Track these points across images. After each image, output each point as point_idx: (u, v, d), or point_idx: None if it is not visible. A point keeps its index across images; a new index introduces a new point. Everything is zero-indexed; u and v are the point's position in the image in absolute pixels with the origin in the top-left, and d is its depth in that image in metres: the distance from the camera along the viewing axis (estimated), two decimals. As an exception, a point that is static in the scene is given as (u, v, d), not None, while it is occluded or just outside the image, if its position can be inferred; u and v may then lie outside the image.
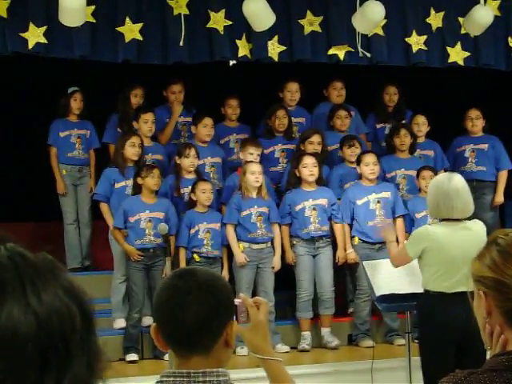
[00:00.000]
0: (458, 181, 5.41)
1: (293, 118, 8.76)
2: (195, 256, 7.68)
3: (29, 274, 1.09)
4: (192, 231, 7.72)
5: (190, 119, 8.67)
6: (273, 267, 7.88)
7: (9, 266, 1.08)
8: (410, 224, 8.04)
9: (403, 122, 9.02)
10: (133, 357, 7.41)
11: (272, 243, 7.96)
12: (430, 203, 5.43)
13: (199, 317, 2.08)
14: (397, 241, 6.43)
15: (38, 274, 1.09)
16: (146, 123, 8.21)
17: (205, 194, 7.70)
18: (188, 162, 7.93)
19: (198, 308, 2.08)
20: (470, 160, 8.94)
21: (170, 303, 2.11)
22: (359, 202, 8.08)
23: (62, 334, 1.07)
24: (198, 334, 2.09)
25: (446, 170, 8.18)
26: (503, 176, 8.95)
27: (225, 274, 7.75)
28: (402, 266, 5.72)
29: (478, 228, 5.43)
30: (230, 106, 8.70)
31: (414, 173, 8.38)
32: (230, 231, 7.83)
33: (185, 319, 2.08)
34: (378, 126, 9.23)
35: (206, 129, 8.28)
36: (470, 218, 5.48)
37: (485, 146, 8.94)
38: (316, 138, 8.30)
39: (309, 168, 7.96)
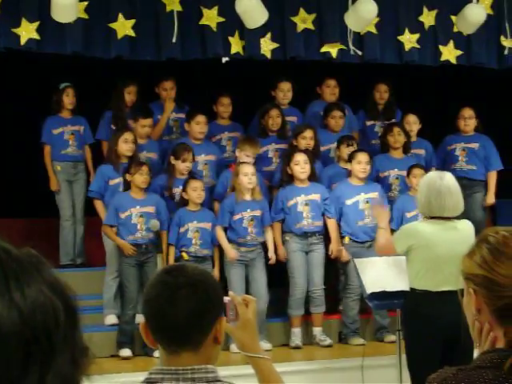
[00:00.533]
0: (449, 179, 5.43)
1: (285, 117, 8.76)
2: (184, 254, 7.67)
3: (12, 268, 1.08)
4: (181, 230, 7.70)
5: (182, 115, 8.66)
6: (267, 264, 7.86)
7: None
8: (400, 223, 8.01)
9: (394, 120, 9.03)
10: (126, 352, 7.40)
11: (262, 245, 7.94)
12: (421, 201, 5.43)
13: (189, 313, 2.08)
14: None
15: (22, 268, 1.09)
16: (144, 128, 8.22)
17: (196, 191, 7.69)
18: (184, 166, 7.91)
19: (188, 304, 2.08)
20: (460, 158, 8.95)
21: (160, 299, 2.11)
22: (348, 202, 8.08)
23: (45, 329, 1.07)
24: (187, 330, 2.09)
25: (436, 169, 8.19)
26: (493, 177, 8.95)
27: (216, 273, 7.73)
28: (387, 254, 5.79)
29: (466, 228, 5.44)
30: (222, 104, 8.70)
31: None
32: (219, 232, 7.80)
33: (174, 315, 2.08)
34: (368, 124, 9.24)
35: (199, 126, 8.27)
36: (459, 217, 5.49)
37: (475, 145, 8.96)
38: (308, 133, 8.30)
39: (300, 165, 7.96)
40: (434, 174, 5.56)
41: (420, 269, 5.36)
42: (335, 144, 8.56)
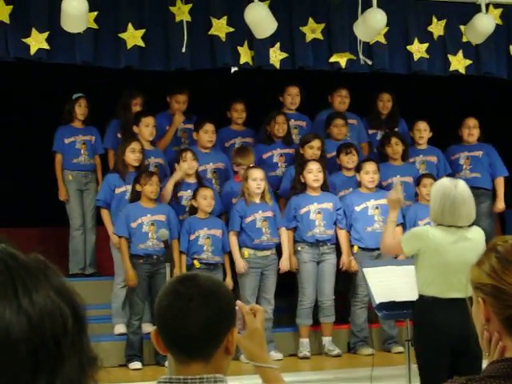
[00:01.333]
0: (463, 187, 5.37)
1: (293, 121, 8.80)
2: (195, 262, 7.68)
3: (20, 275, 1.08)
4: (192, 237, 7.72)
5: (190, 126, 8.69)
6: (278, 272, 7.86)
7: (0, 268, 1.08)
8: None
9: (395, 129, 9.03)
10: (136, 365, 7.40)
11: (277, 249, 7.95)
12: (435, 209, 5.35)
13: (201, 324, 2.07)
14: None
15: (30, 275, 1.09)
16: (147, 127, 8.24)
17: (206, 200, 7.71)
18: (185, 165, 7.94)
19: (201, 315, 2.07)
20: (464, 167, 8.96)
21: (172, 309, 2.10)
22: (357, 208, 8.10)
23: (53, 335, 1.07)
24: (199, 341, 2.08)
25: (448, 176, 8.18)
26: (501, 183, 8.95)
27: (228, 281, 7.73)
28: (392, 255, 5.61)
29: (477, 236, 5.41)
30: (236, 110, 8.75)
31: (409, 179, 8.39)
32: (233, 238, 7.83)
33: (187, 326, 2.07)
34: (371, 132, 9.25)
35: (207, 135, 8.30)
36: (470, 224, 5.47)
37: (479, 153, 8.96)
38: (316, 143, 8.32)
39: (314, 173, 7.98)
40: (447, 182, 5.45)
41: (429, 275, 5.33)
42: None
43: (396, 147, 8.55)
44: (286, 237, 7.97)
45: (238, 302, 2.36)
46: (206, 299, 2.09)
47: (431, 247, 5.31)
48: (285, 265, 7.92)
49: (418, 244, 5.38)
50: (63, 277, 1.15)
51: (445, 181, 5.54)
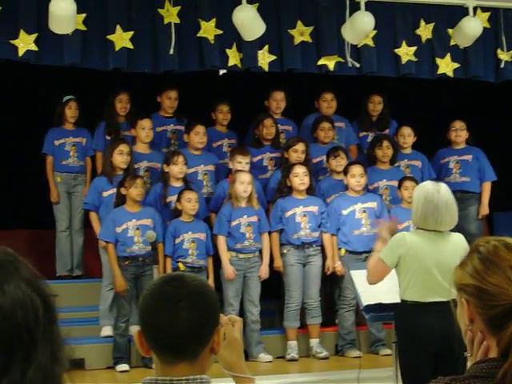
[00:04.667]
0: (445, 192, 5.34)
1: (280, 126, 8.80)
2: (180, 265, 7.67)
3: None
4: (177, 241, 7.71)
5: (180, 127, 8.69)
6: (260, 276, 7.90)
7: None
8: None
9: (386, 132, 9.05)
10: (124, 367, 7.38)
11: (260, 252, 7.97)
12: (417, 214, 5.32)
13: (190, 324, 2.07)
14: None
15: (0, 267, 1.11)
16: (144, 129, 8.24)
17: (190, 203, 7.70)
18: (177, 168, 7.94)
19: (189, 315, 2.07)
20: (454, 171, 8.98)
21: (160, 310, 2.09)
22: (345, 212, 8.11)
23: (26, 324, 1.08)
24: (186, 342, 2.08)
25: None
26: (487, 187, 8.97)
27: (210, 283, 7.75)
28: (380, 280, 5.51)
29: (457, 240, 5.39)
30: (221, 112, 8.74)
31: (396, 183, 8.39)
32: (221, 242, 7.84)
33: (175, 326, 2.07)
34: (361, 135, 9.26)
35: (198, 136, 8.30)
36: (452, 230, 5.45)
37: (469, 157, 8.99)
38: (300, 147, 8.33)
39: (300, 177, 8.00)
40: (430, 187, 5.39)
41: (409, 280, 5.33)
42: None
43: (387, 150, 8.57)
44: (267, 243, 7.98)
45: None
46: (194, 299, 2.09)
47: (410, 253, 5.31)
48: (264, 272, 7.92)
49: (397, 252, 5.35)
50: (33, 268, 1.16)
51: (427, 185, 5.46)
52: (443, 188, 5.37)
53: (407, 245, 5.32)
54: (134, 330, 2.09)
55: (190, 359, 2.09)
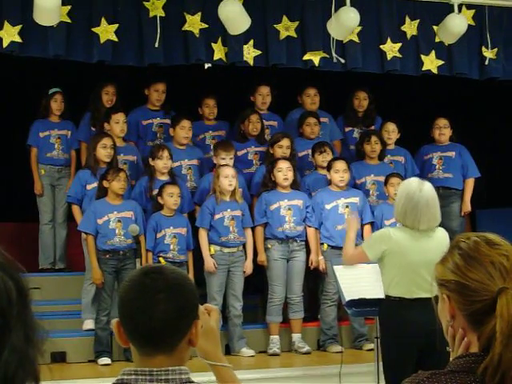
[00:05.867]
0: (428, 191, 5.35)
1: (264, 121, 8.81)
2: (161, 260, 7.66)
3: None
4: (158, 235, 7.71)
5: (166, 121, 8.68)
6: (244, 271, 7.91)
7: None
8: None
9: (372, 128, 9.08)
10: (105, 361, 7.37)
11: (244, 247, 7.98)
12: (398, 210, 5.39)
13: (168, 316, 2.08)
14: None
15: None
16: (118, 123, 8.22)
17: (172, 197, 7.70)
18: (161, 163, 7.94)
19: (167, 307, 2.08)
20: (437, 167, 9.01)
21: (139, 301, 2.09)
22: (328, 207, 8.13)
23: None
24: (164, 334, 2.09)
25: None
26: (470, 184, 9.00)
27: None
28: (356, 264, 5.83)
29: (440, 235, 5.42)
30: (208, 106, 8.76)
31: (383, 179, 8.41)
32: (203, 235, 7.84)
33: (153, 318, 2.07)
34: (347, 130, 9.29)
35: (183, 131, 8.31)
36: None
37: (452, 154, 9.02)
38: (285, 142, 8.34)
39: (283, 172, 8.02)
40: (413, 184, 5.41)
41: (394, 276, 5.36)
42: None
43: (375, 146, 8.60)
44: (250, 239, 7.99)
45: None
46: (172, 291, 2.10)
47: (395, 248, 5.34)
48: (249, 268, 7.93)
49: (381, 247, 5.40)
50: (6, 253, 1.16)
51: (412, 182, 5.50)
52: (427, 186, 5.39)
53: (392, 240, 5.35)
54: (113, 321, 2.09)
55: (168, 351, 2.10)
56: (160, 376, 2.07)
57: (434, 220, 5.37)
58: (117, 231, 7.58)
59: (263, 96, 8.86)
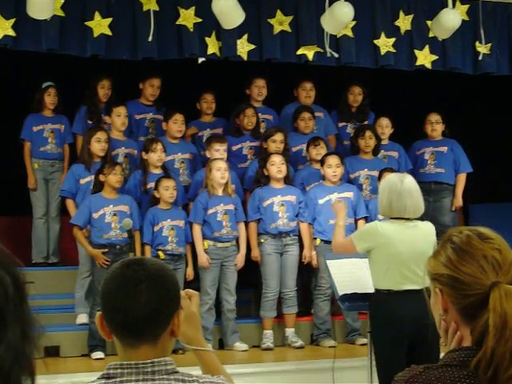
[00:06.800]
0: (409, 182, 5.53)
1: (261, 115, 8.82)
2: (160, 253, 7.66)
3: None
4: (156, 228, 7.71)
5: (158, 117, 8.69)
6: (236, 265, 7.91)
7: None
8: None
9: (366, 122, 9.08)
10: (99, 355, 7.37)
11: (237, 241, 7.98)
12: (383, 203, 5.51)
13: (149, 307, 2.09)
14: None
15: None
16: (119, 117, 8.23)
17: (168, 191, 7.70)
18: (155, 156, 7.94)
19: (149, 298, 2.09)
20: (429, 162, 9.03)
21: (120, 292, 2.11)
22: (321, 201, 8.15)
23: None
24: (147, 324, 2.10)
25: (409, 173, 8.20)
26: (462, 179, 9.01)
27: (189, 271, 7.79)
28: (343, 253, 5.88)
29: (426, 227, 5.52)
30: (206, 101, 8.77)
31: (377, 173, 8.43)
32: (197, 230, 7.84)
33: (134, 309, 2.08)
34: (340, 125, 9.30)
35: (176, 125, 8.31)
36: (422, 219, 5.57)
37: (444, 149, 9.03)
38: (279, 137, 8.34)
39: (276, 165, 8.03)
40: (394, 177, 5.62)
41: (382, 268, 5.41)
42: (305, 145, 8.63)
43: (369, 140, 8.61)
44: (243, 233, 8.00)
45: None
46: (153, 282, 2.11)
47: (382, 241, 5.40)
48: (240, 261, 7.94)
49: (369, 240, 5.47)
50: (3, 247, 1.16)
51: (392, 177, 5.69)
52: (407, 178, 5.57)
53: (379, 234, 5.43)
54: (97, 314, 2.11)
55: (151, 341, 2.11)
56: (146, 368, 2.08)
57: (418, 209, 5.48)
58: (112, 225, 7.58)
59: (259, 88, 8.86)
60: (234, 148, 8.57)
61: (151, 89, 8.68)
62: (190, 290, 2.43)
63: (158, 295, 2.11)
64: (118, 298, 2.11)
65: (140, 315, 2.08)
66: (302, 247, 8.14)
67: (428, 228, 5.51)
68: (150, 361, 2.09)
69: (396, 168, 8.57)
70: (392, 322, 5.30)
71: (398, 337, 5.30)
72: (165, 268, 2.19)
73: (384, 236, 5.41)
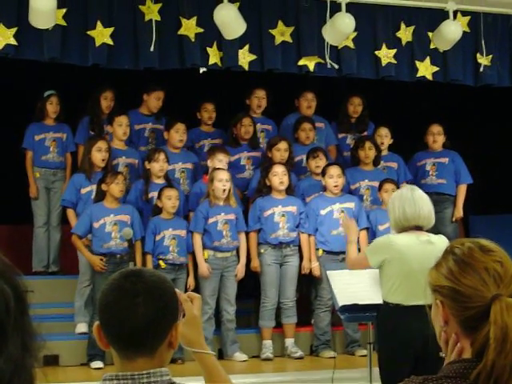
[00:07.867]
0: (419, 191, 5.45)
1: (260, 125, 8.83)
2: (161, 263, 7.66)
3: None
4: (157, 238, 7.71)
5: (158, 126, 8.70)
6: (236, 275, 7.90)
7: None
8: (372, 236, 8.04)
9: (365, 133, 9.09)
10: (98, 364, 7.36)
11: (237, 251, 7.97)
12: (395, 213, 5.33)
13: (146, 320, 2.08)
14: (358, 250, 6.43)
15: None
16: (121, 126, 8.24)
17: (170, 200, 7.71)
18: (158, 166, 7.95)
19: (146, 310, 2.08)
20: (430, 173, 9.03)
21: (117, 305, 2.10)
22: (323, 212, 8.14)
23: None
24: (144, 336, 2.09)
25: (408, 183, 8.21)
26: (462, 190, 9.01)
27: (190, 281, 7.79)
28: (359, 269, 5.77)
29: (439, 243, 5.38)
30: (206, 110, 8.78)
31: (377, 184, 8.42)
32: (197, 240, 7.84)
33: (133, 321, 2.07)
34: (340, 136, 9.30)
35: (178, 134, 8.32)
36: (434, 232, 5.48)
37: (445, 160, 9.04)
38: (283, 145, 8.35)
39: (279, 176, 8.02)
40: (403, 189, 5.57)
41: (393, 283, 5.33)
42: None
43: (369, 152, 8.61)
44: (244, 243, 7.99)
45: (176, 290, 2.38)
46: (151, 295, 2.10)
47: (396, 256, 5.30)
48: (241, 272, 7.93)
49: (383, 255, 5.36)
50: (5, 259, 1.15)
51: (402, 188, 5.68)
52: (417, 189, 5.47)
53: (392, 248, 5.30)
54: (94, 324, 2.11)
55: (148, 354, 2.10)
56: (142, 379, 2.07)
57: (431, 216, 5.38)
58: (113, 234, 7.58)
59: (259, 98, 8.87)
60: (232, 158, 8.57)
61: (156, 102, 8.70)
62: (192, 293, 2.43)
63: (156, 308, 2.09)
64: (115, 310, 2.10)
65: (137, 328, 2.07)
66: (302, 258, 8.13)
67: (441, 243, 5.34)
68: (146, 372, 2.08)
69: (395, 179, 8.57)
70: (400, 335, 5.26)
71: (405, 350, 5.26)
72: (163, 280, 2.17)
73: (397, 251, 5.28)
